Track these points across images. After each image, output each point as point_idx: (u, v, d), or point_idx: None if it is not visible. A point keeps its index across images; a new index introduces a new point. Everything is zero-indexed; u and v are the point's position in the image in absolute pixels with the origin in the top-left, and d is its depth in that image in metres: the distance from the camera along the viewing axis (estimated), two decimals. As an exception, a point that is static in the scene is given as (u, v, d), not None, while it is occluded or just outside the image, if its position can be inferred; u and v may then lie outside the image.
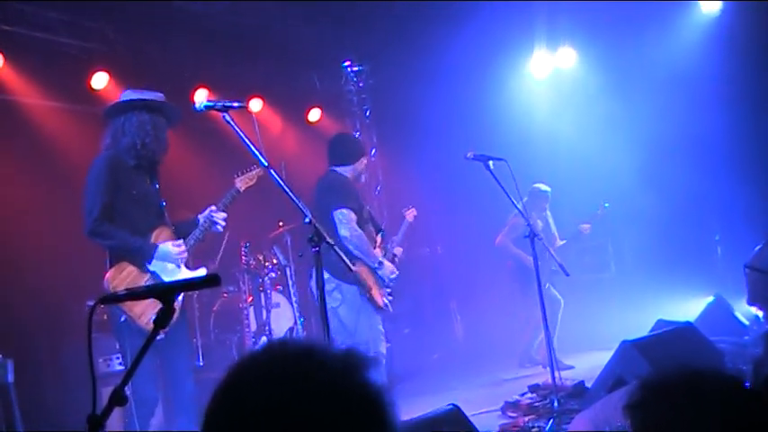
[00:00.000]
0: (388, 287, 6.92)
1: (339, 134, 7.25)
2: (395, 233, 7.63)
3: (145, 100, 5.54)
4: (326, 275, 6.38)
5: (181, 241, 5.59)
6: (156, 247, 5.45)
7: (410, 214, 7.87)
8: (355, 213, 6.66)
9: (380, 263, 6.77)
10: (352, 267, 5.60)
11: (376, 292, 6.73)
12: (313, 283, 6.58)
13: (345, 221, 6.59)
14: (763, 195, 10.59)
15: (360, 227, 6.70)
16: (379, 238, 7.07)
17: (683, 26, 10.53)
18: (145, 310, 5.23)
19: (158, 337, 5.09)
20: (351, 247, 6.55)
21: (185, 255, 5.59)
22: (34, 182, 8.46)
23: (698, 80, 10.15)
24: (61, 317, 8.25)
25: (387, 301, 6.86)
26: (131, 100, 5.53)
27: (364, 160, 7.09)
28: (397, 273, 6.97)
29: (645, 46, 10.53)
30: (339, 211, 6.60)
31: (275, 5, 9.80)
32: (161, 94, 5.69)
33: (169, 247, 5.49)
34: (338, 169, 6.95)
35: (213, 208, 5.70)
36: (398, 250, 7.34)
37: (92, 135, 5.69)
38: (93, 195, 5.35)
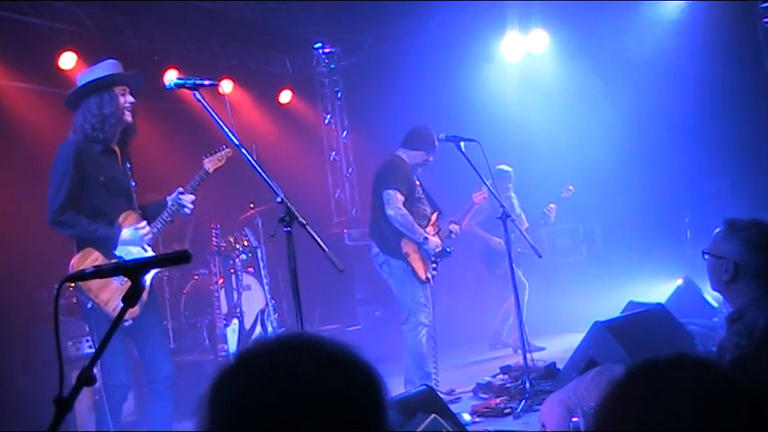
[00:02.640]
0: (434, 263, 7.40)
1: (419, 125, 7.56)
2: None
3: (89, 83, 5.41)
4: (376, 250, 7.30)
5: (144, 223, 5.50)
6: (118, 231, 5.37)
7: (478, 196, 8.55)
8: (402, 194, 7.22)
9: (425, 238, 7.26)
10: (401, 242, 7.04)
11: (419, 266, 7.24)
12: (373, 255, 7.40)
13: (392, 201, 7.16)
14: (732, 178, 10.66)
15: (410, 206, 7.27)
16: (434, 217, 7.55)
17: (656, 10, 10.52)
18: (112, 296, 5.16)
19: (127, 323, 5.13)
20: (396, 225, 7.13)
21: (149, 236, 5.49)
22: (1, 165, 8.35)
23: (671, 64, 10.16)
24: (29, 302, 8.17)
25: (430, 276, 7.33)
26: (78, 87, 5.42)
27: (425, 156, 7.52)
28: (442, 246, 7.42)
29: (617, 29, 10.51)
30: (386, 191, 7.21)
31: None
32: (112, 62, 5.53)
33: (131, 231, 5.40)
34: (399, 151, 7.53)
35: (181, 190, 5.57)
36: (454, 227, 7.77)
37: (60, 116, 5.60)
38: (55, 184, 5.25)
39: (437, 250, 7.33)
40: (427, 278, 7.29)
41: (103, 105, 5.34)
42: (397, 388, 7.12)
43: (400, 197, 7.18)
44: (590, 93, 10.68)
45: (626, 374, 1.57)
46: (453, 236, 7.69)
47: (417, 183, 7.53)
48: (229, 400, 1.45)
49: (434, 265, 7.41)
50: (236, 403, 1.44)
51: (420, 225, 7.32)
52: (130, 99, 5.46)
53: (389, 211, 7.13)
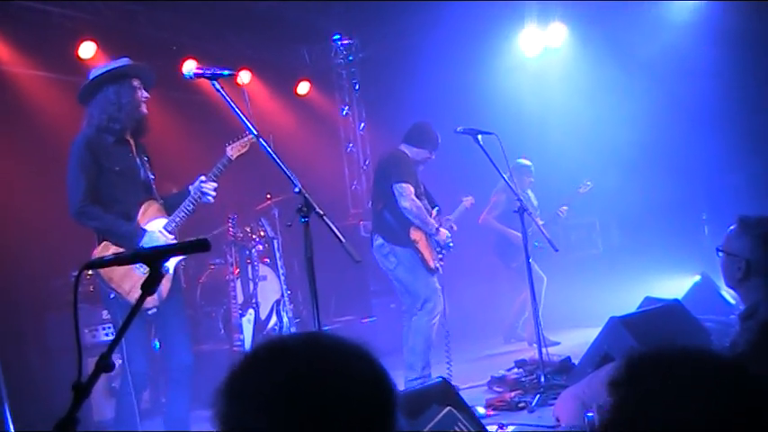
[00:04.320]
0: (440, 252, 7.47)
1: (422, 121, 7.59)
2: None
3: (105, 72, 5.44)
4: (380, 241, 7.31)
5: (171, 237, 5.50)
6: (143, 232, 5.38)
7: (468, 201, 8.69)
8: (413, 187, 7.26)
9: (437, 229, 7.38)
10: (409, 230, 7.12)
11: (428, 254, 7.30)
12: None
13: (406, 194, 7.19)
14: (750, 175, 10.61)
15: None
16: (434, 213, 7.56)
17: (674, 4, 10.46)
18: (134, 285, 5.17)
19: (150, 311, 5.17)
20: (411, 217, 7.19)
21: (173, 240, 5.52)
22: (19, 154, 8.37)
23: (688, 60, 10.11)
24: (44, 289, 8.22)
25: (438, 265, 7.40)
26: (93, 78, 5.45)
27: (428, 154, 7.59)
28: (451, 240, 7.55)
29: (636, 23, 10.46)
30: (399, 184, 7.24)
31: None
32: (127, 59, 5.57)
33: (157, 235, 5.42)
34: (403, 146, 7.55)
35: (203, 178, 5.57)
36: (452, 224, 7.91)
37: (79, 106, 5.61)
38: (75, 177, 5.29)
39: (447, 241, 7.44)
40: (436, 267, 7.35)
41: (122, 94, 5.38)
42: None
43: (412, 189, 7.24)
44: (607, 87, 10.61)
45: (629, 368, 1.58)
46: (454, 229, 7.79)
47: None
48: (255, 395, 1.47)
49: (440, 256, 7.48)
50: (263, 398, 1.46)
51: None
52: (145, 94, 5.51)
53: (404, 203, 7.16)
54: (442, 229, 7.43)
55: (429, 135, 7.61)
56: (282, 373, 1.47)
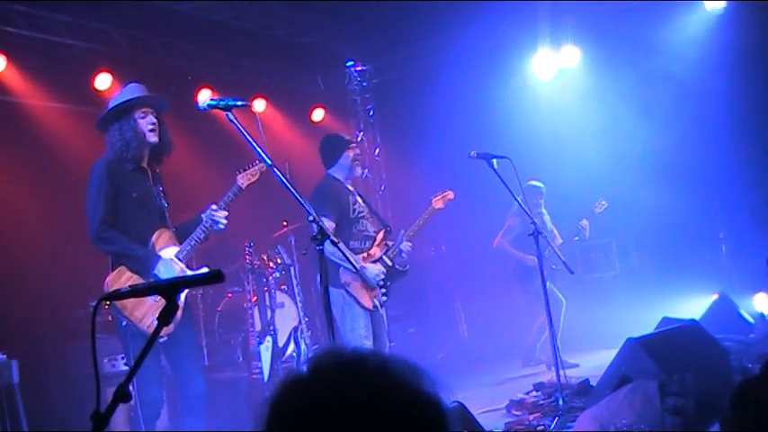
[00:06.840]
0: (381, 287, 6.87)
1: (322, 138, 7.21)
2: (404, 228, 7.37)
3: (110, 110, 5.53)
4: (318, 279, 6.54)
5: (182, 265, 5.53)
6: (158, 258, 5.42)
7: (438, 201, 7.36)
8: (332, 220, 6.61)
9: (361, 267, 6.60)
10: (339, 271, 6.12)
11: (363, 295, 6.73)
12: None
13: None
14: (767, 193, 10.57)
15: (346, 228, 6.74)
16: (379, 236, 6.98)
17: (687, 23, 10.47)
18: (146, 313, 5.22)
19: (161, 340, 5.17)
20: (326, 254, 6.41)
21: (183, 269, 5.53)
22: (39, 184, 8.49)
23: (703, 78, 10.10)
24: (65, 319, 8.29)
25: (377, 302, 6.82)
26: (99, 120, 5.57)
27: (349, 153, 6.97)
28: (394, 264, 6.93)
29: (649, 43, 10.48)
30: None
31: (278, 6, 9.81)
32: (134, 86, 5.63)
33: (169, 264, 5.45)
34: (330, 171, 6.98)
35: (214, 207, 5.59)
36: (406, 245, 7.05)
37: (96, 136, 5.68)
38: (94, 201, 5.35)
39: (378, 278, 6.76)
40: (375, 306, 6.81)
41: (124, 131, 5.44)
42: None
43: (329, 224, 6.52)
44: (622, 107, 10.62)
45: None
46: (404, 255, 7.04)
47: (359, 200, 7.04)
48: (285, 422, 1.44)
49: (384, 290, 6.92)
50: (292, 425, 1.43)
51: (361, 248, 6.85)
52: (152, 120, 5.50)
53: None
54: (369, 265, 6.72)
55: (332, 145, 7.06)
56: (313, 397, 1.43)
